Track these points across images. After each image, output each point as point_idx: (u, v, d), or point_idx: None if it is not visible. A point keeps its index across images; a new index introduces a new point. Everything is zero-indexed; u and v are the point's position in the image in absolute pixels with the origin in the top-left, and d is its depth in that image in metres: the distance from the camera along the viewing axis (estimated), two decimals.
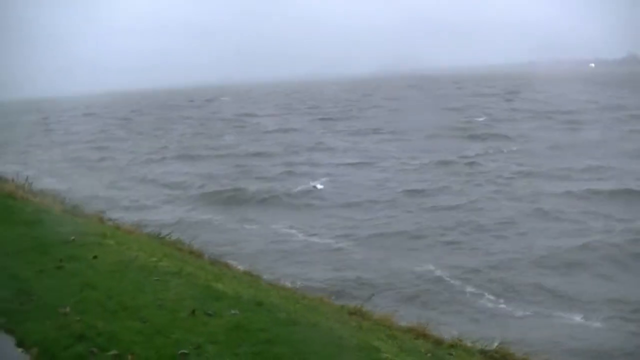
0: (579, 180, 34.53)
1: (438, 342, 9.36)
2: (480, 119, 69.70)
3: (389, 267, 21.10)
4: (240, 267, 13.32)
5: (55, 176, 40.69)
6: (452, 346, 9.23)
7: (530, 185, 33.73)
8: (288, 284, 13.91)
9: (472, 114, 75.21)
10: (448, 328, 12.18)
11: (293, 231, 26.54)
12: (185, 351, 5.90)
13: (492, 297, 18.53)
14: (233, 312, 7.14)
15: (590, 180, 34.34)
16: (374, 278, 19.99)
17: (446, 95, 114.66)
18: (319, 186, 36.10)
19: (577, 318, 17.13)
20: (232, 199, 33.68)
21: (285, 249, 23.79)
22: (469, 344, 9.59)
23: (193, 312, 6.90)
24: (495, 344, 9.81)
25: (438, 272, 20.49)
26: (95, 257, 8.96)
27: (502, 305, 18.05)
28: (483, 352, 9.43)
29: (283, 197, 33.72)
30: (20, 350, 6.11)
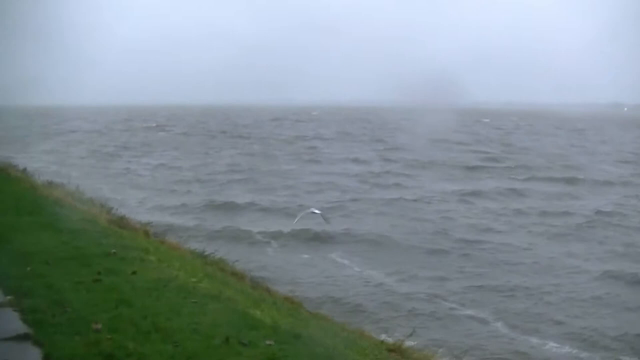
0: None
1: None
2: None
3: None
4: (281, 292, 13.02)
5: None
6: None
7: None
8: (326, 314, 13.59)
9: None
10: None
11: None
12: None
13: None
14: (268, 342, 6.84)
15: None
16: None
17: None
18: None
19: None
20: None
21: None
22: None
23: (227, 339, 6.62)
24: None
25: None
26: (134, 272, 8.79)
27: None
28: None
29: None
30: None
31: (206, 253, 14.42)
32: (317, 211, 33.71)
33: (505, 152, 72.78)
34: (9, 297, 7.34)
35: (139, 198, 38.05)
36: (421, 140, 76.38)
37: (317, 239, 27.78)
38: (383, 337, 11.33)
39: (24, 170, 22.06)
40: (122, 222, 15.04)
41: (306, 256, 25.63)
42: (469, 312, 19.25)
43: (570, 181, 48.44)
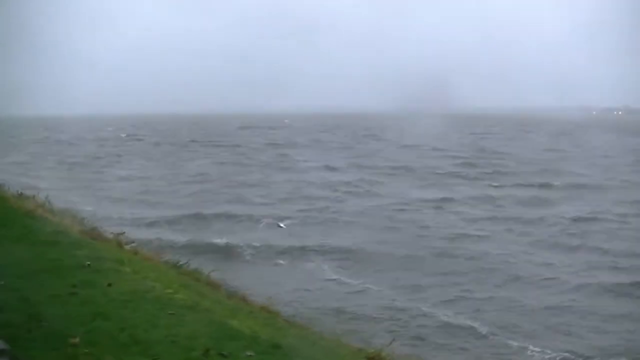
0: None
1: None
2: None
3: None
4: (257, 302, 12.96)
5: None
6: None
7: None
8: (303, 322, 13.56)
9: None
10: None
11: None
12: None
13: None
14: (248, 353, 6.83)
15: None
16: None
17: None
18: None
19: None
20: None
21: None
22: None
23: (207, 351, 6.59)
24: None
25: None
26: (110, 284, 8.70)
27: None
28: None
29: None
30: None
31: (180, 263, 14.33)
32: (282, 225, 33.99)
33: (477, 157, 73.19)
34: None
35: (108, 208, 37.65)
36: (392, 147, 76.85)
37: (291, 249, 27.67)
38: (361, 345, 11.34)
39: None
40: (94, 233, 14.85)
41: (282, 264, 25.56)
42: (449, 319, 19.28)
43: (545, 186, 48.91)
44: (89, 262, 9.88)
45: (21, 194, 19.77)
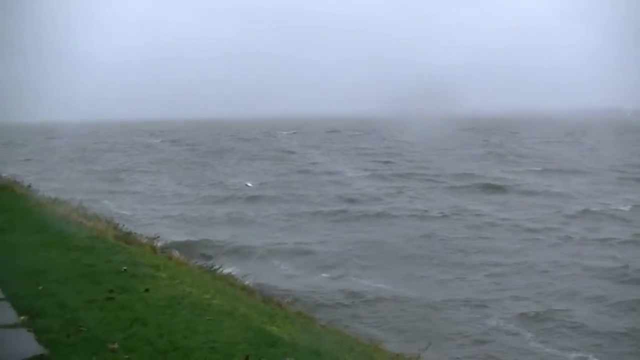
0: None
1: None
2: None
3: None
4: (293, 307, 12.88)
5: None
6: None
7: None
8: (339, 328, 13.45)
9: None
10: None
11: None
12: None
13: None
14: None
15: None
16: None
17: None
18: None
19: None
20: None
21: None
22: None
23: (247, 358, 6.46)
24: None
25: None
26: (147, 290, 8.64)
27: None
28: None
29: None
30: None
31: (214, 268, 14.30)
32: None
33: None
34: (22, 317, 7.21)
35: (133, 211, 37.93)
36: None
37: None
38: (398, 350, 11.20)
39: (29, 187, 21.92)
40: (129, 238, 14.90)
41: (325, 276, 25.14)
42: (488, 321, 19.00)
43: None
44: (125, 268, 9.86)
45: (55, 199, 19.99)
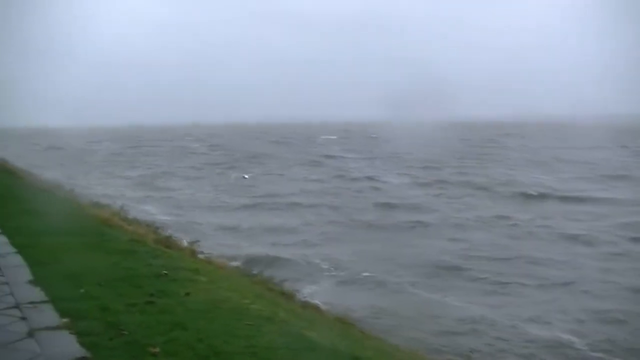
0: None
1: None
2: None
3: None
4: (333, 313, 12.82)
5: None
6: None
7: None
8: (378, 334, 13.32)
9: None
10: None
11: None
12: None
13: None
14: None
15: None
16: None
17: None
18: None
19: None
20: None
21: None
22: None
23: None
24: None
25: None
26: (187, 294, 8.66)
27: None
28: None
29: None
30: None
31: (253, 272, 14.30)
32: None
33: None
34: (64, 320, 7.27)
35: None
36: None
37: None
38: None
39: (71, 190, 22.26)
40: (168, 242, 15.00)
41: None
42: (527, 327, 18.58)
43: None
44: (165, 272, 9.90)
45: (96, 202, 20.24)
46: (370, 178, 58.66)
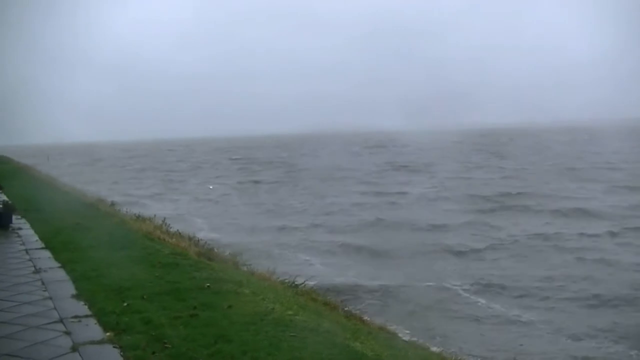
0: None
1: None
2: None
3: None
4: (376, 322, 12.64)
5: None
6: None
7: None
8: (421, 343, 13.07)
9: None
10: None
11: None
12: None
13: None
14: None
15: None
16: None
17: None
18: None
19: None
20: None
21: None
22: None
23: None
24: None
25: None
26: (230, 306, 8.61)
27: None
28: None
29: None
30: None
31: (297, 283, 14.20)
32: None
33: None
34: (108, 334, 7.27)
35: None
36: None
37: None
38: None
39: (113, 204, 22.48)
40: (211, 254, 14.99)
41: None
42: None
43: None
44: (208, 284, 9.88)
45: (139, 216, 20.39)
46: None
